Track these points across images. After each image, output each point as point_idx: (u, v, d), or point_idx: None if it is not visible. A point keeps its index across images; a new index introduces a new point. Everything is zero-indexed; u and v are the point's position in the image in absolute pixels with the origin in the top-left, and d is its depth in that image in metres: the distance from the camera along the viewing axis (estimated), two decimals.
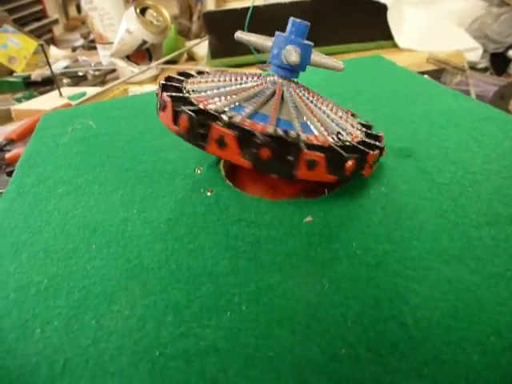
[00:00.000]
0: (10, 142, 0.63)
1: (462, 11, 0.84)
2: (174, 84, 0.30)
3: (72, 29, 2.16)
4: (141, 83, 0.85)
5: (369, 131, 0.31)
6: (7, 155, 0.58)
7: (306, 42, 0.28)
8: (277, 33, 0.29)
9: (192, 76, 0.33)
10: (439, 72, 0.76)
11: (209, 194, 0.30)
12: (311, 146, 0.24)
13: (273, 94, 0.28)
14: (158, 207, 0.29)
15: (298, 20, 0.28)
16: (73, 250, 0.26)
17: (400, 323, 0.20)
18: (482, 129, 0.35)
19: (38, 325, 0.21)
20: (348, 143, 0.27)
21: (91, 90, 0.81)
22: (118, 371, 0.19)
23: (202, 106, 0.26)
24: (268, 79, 0.30)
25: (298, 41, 0.28)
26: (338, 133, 0.28)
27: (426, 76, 0.65)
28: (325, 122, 0.28)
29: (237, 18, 0.75)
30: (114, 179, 0.33)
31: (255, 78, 0.31)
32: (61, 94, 0.79)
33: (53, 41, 1.87)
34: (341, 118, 0.30)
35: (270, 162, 0.24)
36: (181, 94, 0.28)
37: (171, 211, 0.28)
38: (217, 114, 0.25)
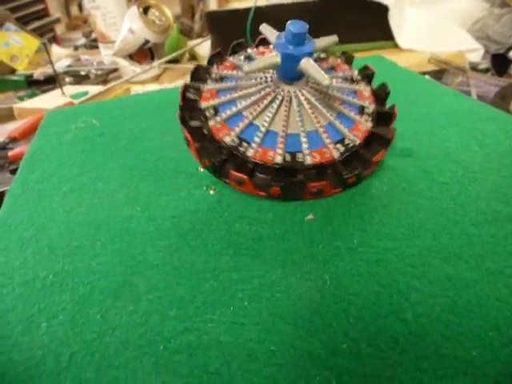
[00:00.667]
0: (13, 140, 0.64)
1: (464, 12, 0.84)
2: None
3: (74, 28, 2.17)
4: (143, 82, 0.85)
5: (381, 109, 0.30)
6: (10, 153, 0.59)
7: (308, 45, 0.27)
8: (281, 51, 0.27)
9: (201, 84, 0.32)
10: (440, 72, 0.76)
11: (211, 192, 0.30)
12: (316, 171, 0.27)
13: (280, 104, 0.29)
14: (162, 205, 0.29)
15: (296, 30, 0.26)
16: (77, 247, 0.26)
17: (400, 319, 0.20)
18: (483, 129, 0.36)
19: (44, 319, 0.22)
20: (353, 147, 0.27)
21: (93, 89, 0.81)
22: (122, 364, 0.19)
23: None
24: (274, 85, 0.30)
25: (303, 50, 0.27)
26: (343, 139, 0.28)
27: (427, 76, 0.65)
28: (332, 124, 0.29)
29: (239, 17, 0.75)
30: (117, 177, 0.33)
31: (263, 84, 0.30)
32: (63, 93, 0.79)
33: (55, 39, 1.88)
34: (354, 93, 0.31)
35: (281, 195, 0.27)
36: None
37: (174, 208, 0.29)
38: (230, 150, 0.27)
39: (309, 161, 0.27)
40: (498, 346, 0.18)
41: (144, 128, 0.41)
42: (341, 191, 0.28)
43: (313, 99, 0.29)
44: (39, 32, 1.69)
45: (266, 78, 0.30)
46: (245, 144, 0.27)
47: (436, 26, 0.82)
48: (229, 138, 0.27)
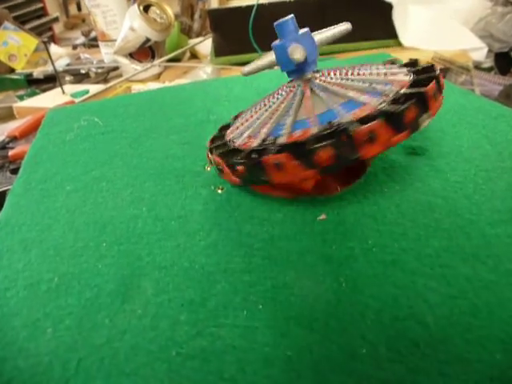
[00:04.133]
0: (13, 139, 0.63)
1: (468, 10, 0.84)
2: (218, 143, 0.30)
3: (72, 27, 2.16)
4: (144, 81, 0.85)
5: (415, 68, 0.29)
6: (10, 152, 0.58)
7: (301, 31, 0.27)
8: (273, 44, 0.28)
9: (229, 126, 0.33)
10: (444, 71, 0.76)
11: (219, 191, 0.30)
12: (362, 120, 0.23)
13: (302, 96, 0.28)
14: (168, 204, 0.29)
15: (281, 21, 0.27)
16: (83, 248, 0.26)
17: (420, 322, 0.19)
18: (494, 126, 0.35)
19: (50, 324, 0.21)
20: (398, 93, 0.25)
21: (94, 88, 0.80)
22: (133, 371, 0.18)
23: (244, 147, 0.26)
24: (291, 86, 0.29)
25: (294, 37, 0.27)
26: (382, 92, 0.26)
27: None
28: (364, 87, 0.27)
29: (241, 15, 0.74)
30: (122, 176, 0.32)
31: (281, 92, 0.30)
32: (63, 92, 0.78)
33: (53, 39, 1.87)
34: (378, 74, 0.29)
35: (333, 162, 0.23)
36: (226, 148, 0.28)
37: (182, 208, 0.28)
38: (260, 148, 0.25)
39: (350, 117, 0.24)
40: None
41: (148, 127, 0.40)
42: (399, 139, 0.23)
43: (316, 89, 0.28)
44: (37, 31, 1.68)
45: (278, 96, 0.30)
46: (271, 138, 0.26)
47: (439, 24, 0.81)
48: (255, 142, 0.26)
